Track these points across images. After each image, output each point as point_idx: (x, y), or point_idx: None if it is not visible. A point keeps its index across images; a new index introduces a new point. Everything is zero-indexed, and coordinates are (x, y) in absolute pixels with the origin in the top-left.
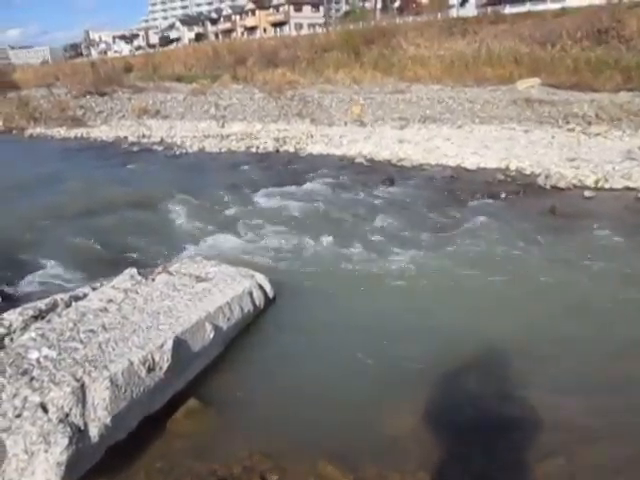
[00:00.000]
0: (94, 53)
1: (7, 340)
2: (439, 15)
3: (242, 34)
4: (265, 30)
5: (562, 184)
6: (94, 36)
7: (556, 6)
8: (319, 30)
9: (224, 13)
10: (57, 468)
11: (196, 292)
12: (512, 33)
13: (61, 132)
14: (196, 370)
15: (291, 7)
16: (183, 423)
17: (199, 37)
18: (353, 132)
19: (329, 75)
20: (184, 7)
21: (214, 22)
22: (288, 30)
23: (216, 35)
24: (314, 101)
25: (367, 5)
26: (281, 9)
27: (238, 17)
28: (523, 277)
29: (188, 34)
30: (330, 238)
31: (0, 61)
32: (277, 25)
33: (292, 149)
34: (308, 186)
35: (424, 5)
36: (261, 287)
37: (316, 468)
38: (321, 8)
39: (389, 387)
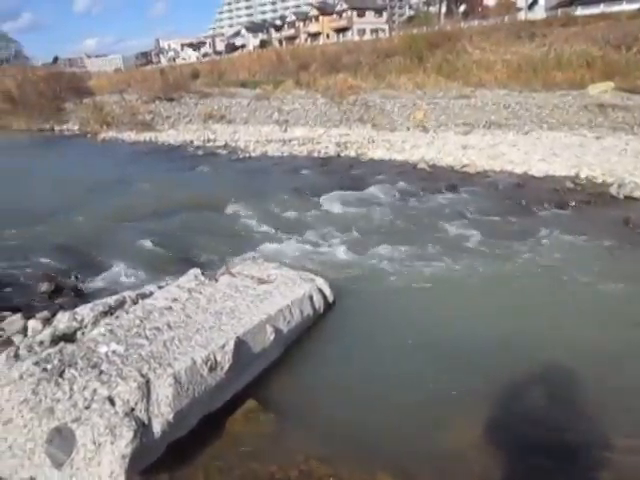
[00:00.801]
0: (163, 60)
1: (79, 334)
2: (506, 18)
3: (305, 40)
4: (328, 36)
5: (637, 194)
6: (164, 44)
7: (632, 7)
8: (382, 35)
9: (288, 20)
10: (122, 460)
11: (257, 294)
12: (584, 36)
13: (131, 136)
14: (256, 371)
15: (354, 13)
16: (242, 423)
17: (263, 44)
18: (415, 137)
19: (391, 80)
20: (249, 15)
21: (278, 29)
22: (351, 36)
23: (280, 41)
24: (376, 106)
25: (431, 10)
26: (344, 15)
27: (302, 23)
28: (591, 292)
29: (253, 41)
30: (390, 244)
31: (78, 69)
32: (340, 31)
33: (353, 154)
34: (369, 191)
35: (491, 9)
36: (321, 291)
37: (374, 478)
38: (384, 13)
39: (451, 398)
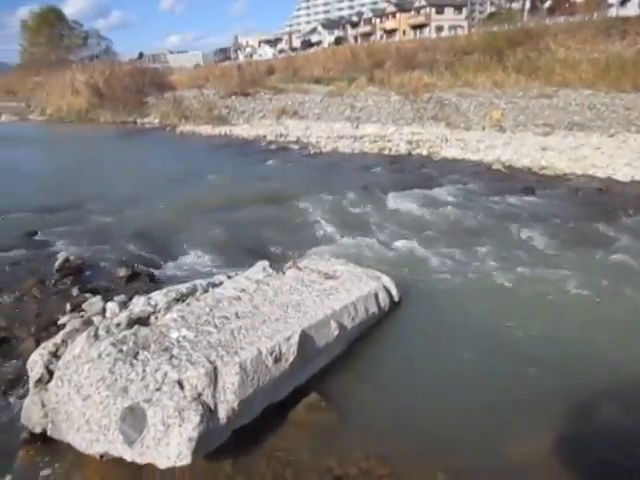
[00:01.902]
0: (241, 56)
1: (152, 318)
2: (595, 15)
3: (381, 37)
4: (404, 33)
5: None
6: (242, 40)
7: None
8: (460, 33)
9: (365, 16)
10: (189, 443)
11: (323, 289)
12: None
13: (208, 129)
14: (319, 365)
15: (432, 9)
16: (303, 416)
17: (339, 40)
18: (491, 137)
19: (468, 78)
20: (326, 11)
21: (354, 25)
22: (428, 33)
23: (355, 38)
24: (451, 104)
25: (514, 6)
26: (422, 11)
27: (378, 20)
28: None
29: (328, 37)
30: (460, 246)
31: (160, 65)
32: (417, 28)
33: (425, 152)
34: (440, 191)
35: (578, 5)
36: (387, 289)
37: None
38: (464, 10)
39: (517, 407)
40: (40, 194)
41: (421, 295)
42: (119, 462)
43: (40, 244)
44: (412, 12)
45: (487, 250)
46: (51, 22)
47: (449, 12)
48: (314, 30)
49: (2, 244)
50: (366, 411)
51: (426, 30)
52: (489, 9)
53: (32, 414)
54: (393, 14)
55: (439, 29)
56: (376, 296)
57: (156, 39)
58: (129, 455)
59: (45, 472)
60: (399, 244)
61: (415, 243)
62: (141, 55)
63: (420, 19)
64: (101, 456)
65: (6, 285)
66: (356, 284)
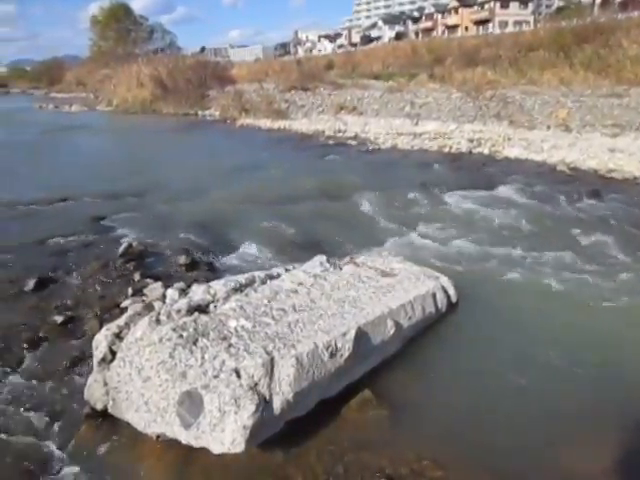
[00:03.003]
0: (300, 51)
1: (211, 307)
2: None
3: (442, 33)
4: (467, 28)
5: None
6: (302, 36)
7: None
8: (526, 28)
9: (426, 12)
10: (243, 430)
11: (380, 286)
12: None
13: (267, 123)
14: (373, 363)
15: (497, 4)
16: (356, 412)
17: (399, 36)
18: (556, 137)
19: (533, 76)
20: (387, 6)
21: (415, 21)
22: (491, 28)
23: (416, 34)
24: (515, 102)
25: (584, 0)
26: (486, 6)
27: (440, 15)
28: None
29: (389, 33)
30: (520, 248)
31: (221, 58)
32: (480, 23)
33: (486, 151)
34: (501, 191)
35: None
36: (445, 290)
37: None
38: (530, 5)
39: (576, 415)
40: (107, 181)
41: (479, 297)
42: (174, 444)
43: (106, 229)
44: (475, 7)
45: (549, 254)
46: (119, 17)
47: (514, 7)
48: (374, 25)
49: (72, 228)
50: (419, 412)
51: (489, 26)
52: (557, 3)
53: (95, 391)
54: (455, 9)
55: (503, 24)
56: (434, 296)
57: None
58: (184, 438)
59: (104, 446)
60: (458, 244)
61: (474, 244)
62: (203, 49)
63: (484, 14)
64: (157, 436)
65: (74, 267)
66: (414, 283)
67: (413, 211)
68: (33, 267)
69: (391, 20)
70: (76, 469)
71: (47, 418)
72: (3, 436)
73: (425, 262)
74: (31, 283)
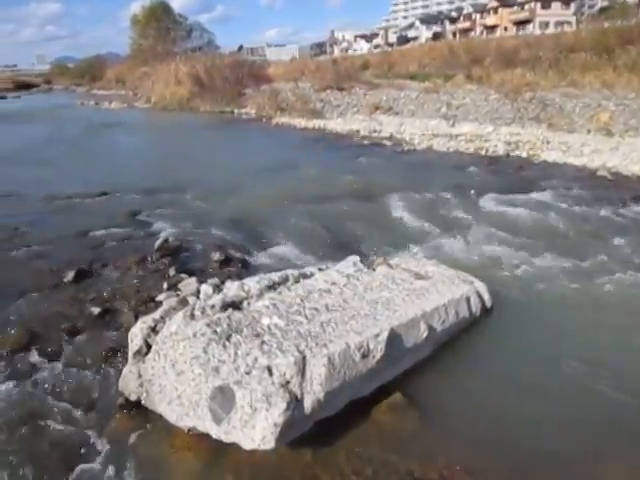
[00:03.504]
0: (336, 51)
1: (245, 303)
2: None
3: (481, 33)
4: (506, 29)
5: None
6: (338, 35)
7: None
8: (567, 29)
9: (465, 12)
10: (274, 428)
11: (414, 289)
12: None
13: (302, 122)
14: (405, 366)
15: (538, 4)
16: (386, 414)
17: (436, 36)
18: (597, 141)
19: (574, 77)
20: (425, 6)
21: (453, 21)
22: (532, 29)
23: (454, 34)
24: (554, 105)
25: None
26: (526, 6)
27: (479, 16)
28: None
29: (426, 33)
30: (558, 254)
31: (258, 57)
32: (520, 24)
33: (524, 154)
34: (539, 196)
35: None
36: (479, 295)
37: None
38: (572, 5)
39: (613, 425)
40: (144, 177)
41: (514, 303)
42: (205, 438)
43: (142, 224)
44: (515, 7)
45: (589, 262)
46: (159, 16)
47: (556, 7)
48: (411, 25)
49: (111, 222)
50: (450, 417)
51: (529, 26)
52: (600, 3)
53: (129, 383)
54: (495, 9)
55: (544, 25)
56: (468, 300)
57: (255, 33)
58: (215, 432)
59: (136, 436)
60: (493, 248)
61: (510, 248)
62: (240, 48)
63: (524, 14)
64: (189, 430)
65: (111, 260)
66: (448, 286)
67: (448, 213)
68: (73, 259)
69: (428, 20)
70: (109, 456)
71: (83, 406)
72: (41, 421)
73: (459, 265)
74: (71, 274)
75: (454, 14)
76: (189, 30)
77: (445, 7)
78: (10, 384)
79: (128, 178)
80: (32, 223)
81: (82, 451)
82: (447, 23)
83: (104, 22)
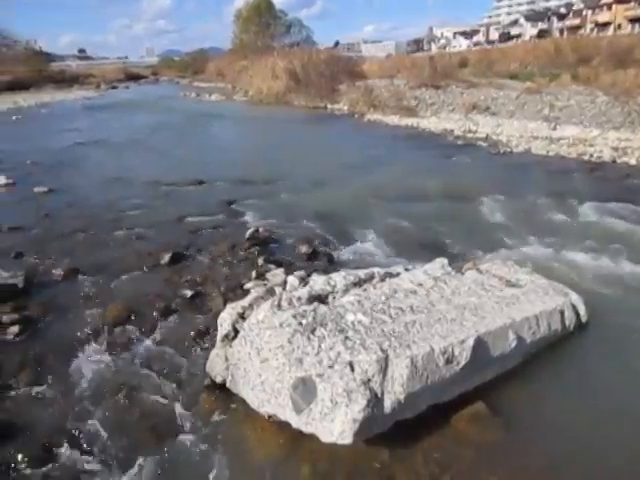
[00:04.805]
0: (434, 48)
1: (330, 298)
2: None
3: (591, 30)
4: (620, 26)
5: None
6: (436, 32)
7: None
8: None
9: (574, 8)
10: (352, 423)
11: (504, 296)
12: None
13: (394, 119)
14: (490, 375)
15: None
16: (467, 423)
17: (542, 33)
18: None
19: None
20: (530, 2)
21: (561, 18)
22: None
23: (561, 32)
24: None
25: None
26: None
27: (590, 12)
28: None
29: (530, 30)
30: None
31: (354, 53)
32: (636, 21)
33: (633, 161)
34: None
35: None
36: (574, 307)
37: None
38: None
39: None
40: (239, 167)
41: (613, 320)
42: (284, 426)
43: (234, 213)
44: (632, 3)
45: None
46: (261, 11)
47: None
48: (515, 22)
49: (205, 210)
50: (535, 433)
51: None
52: None
53: (216, 365)
54: (609, 5)
55: None
56: (561, 313)
57: (353, 29)
58: (295, 422)
59: (219, 417)
60: (592, 259)
61: (612, 261)
62: (337, 44)
63: None
64: (269, 416)
65: (205, 246)
66: (540, 296)
67: (544, 220)
68: (169, 242)
69: (534, 17)
70: (194, 433)
71: (172, 382)
72: (135, 392)
73: (553, 275)
74: (167, 257)
75: (563, 10)
76: (288, 26)
77: (553, 3)
78: (110, 355)
79: (224, 168)
80: (136, 206)
81: (170, 425)
82: (554, 20)
83: (210, 17)
